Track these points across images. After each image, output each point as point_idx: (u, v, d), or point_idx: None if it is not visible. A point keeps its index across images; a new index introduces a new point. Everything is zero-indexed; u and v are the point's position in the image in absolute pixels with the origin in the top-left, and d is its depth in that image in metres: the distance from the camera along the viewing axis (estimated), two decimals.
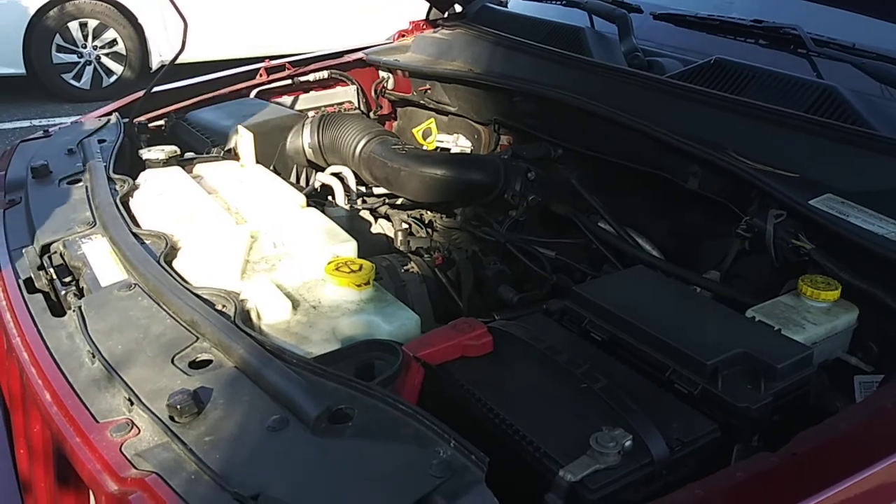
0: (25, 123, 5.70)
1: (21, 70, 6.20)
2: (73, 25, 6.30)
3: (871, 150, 1.48)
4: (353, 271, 1.26)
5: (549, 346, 1.13)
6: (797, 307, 1.27)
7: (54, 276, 1.34)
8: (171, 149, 1.78)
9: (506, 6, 2.64)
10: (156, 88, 2.17)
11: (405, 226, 1.88)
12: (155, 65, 6.54)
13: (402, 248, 1.79)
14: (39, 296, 1.31)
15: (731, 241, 1.59)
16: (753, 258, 1.56)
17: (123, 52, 6.50)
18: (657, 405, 1.04)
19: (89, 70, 6.45)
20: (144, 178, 1.66)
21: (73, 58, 6.38)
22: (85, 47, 6.40)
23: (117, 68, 6.52)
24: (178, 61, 2.04)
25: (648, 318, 1.18)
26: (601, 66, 1.98)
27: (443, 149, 2.31)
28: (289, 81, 2.44)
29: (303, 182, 2.10)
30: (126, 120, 1.98)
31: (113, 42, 6.46)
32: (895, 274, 1.23)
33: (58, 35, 6.26)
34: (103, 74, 6.50)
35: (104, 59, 6.48)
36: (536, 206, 1.86)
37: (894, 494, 0.95)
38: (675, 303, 1.26)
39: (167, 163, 1.74)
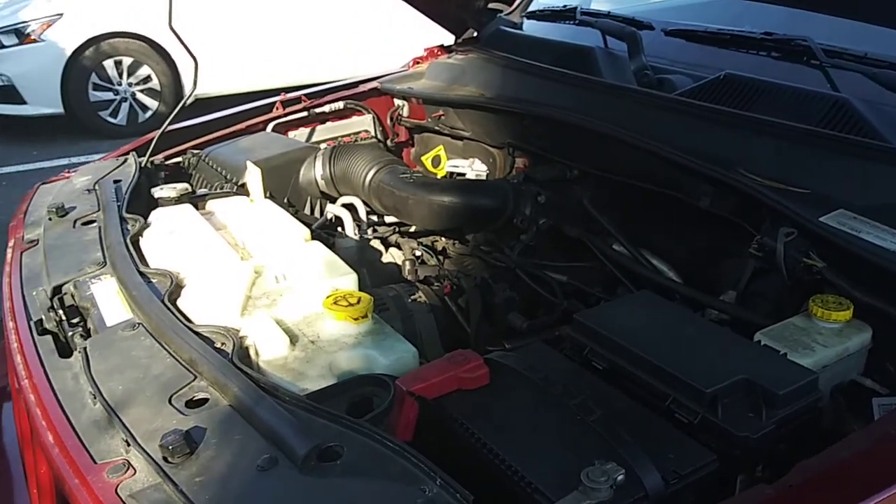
0: (64, 161, 5.85)
1: (59, 109, 6.39)
2: (109, 63, 6.47)
3: (884, 163, 1.44)
4: (350, 304, 1.25)
5: (545, 377, 1.11)
6: (808, 329, 1.24)
7: (63, 318, 1.36)
8: (182, 186, 1.80)
9: (521, 28, 2.65)
10: (174, 126, 2.21)
11: (415, 254, 1.88)
12: (190, 99, 6.68)
13: (410, 278, 1.79)
14: (49, 337, 1.33)
15: (746, 261, 1.55)
16: (770, 277, 1.52)
17: (158, 88, 6.65)
18: (654, 436, 1.01)
19: (125, 106, 6.62)
20: (155, 216, 1.69)
21: (110, 95, 6.55)
22: (120, 84, 6.56)
23: (152, 104, 6.68)
24: (200, 96, 2.08)
25: (650, 345, 1.16)
26: (610, 85, 1.97)
27: (458, 174, 2.31)
28: (305, 113, 2.46)
29: (316, 213, 2.11)
30: (142, 159, 2.02)
31: (147, 78, 6.62)
32: None
33: (94, 73, 6.43)
34: (139, 110, 6.66)
35: (139, 96, 6.64)
36: (548, 229, 1.85)
37: None
38: (678, 329, 1.24)
39: (179, 200, 1.77)
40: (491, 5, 2.62)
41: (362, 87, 2.60)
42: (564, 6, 2.48)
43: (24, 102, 6.34)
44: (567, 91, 2.00)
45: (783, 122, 1.58)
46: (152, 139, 2.11)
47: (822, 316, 1.23)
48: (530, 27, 2.63)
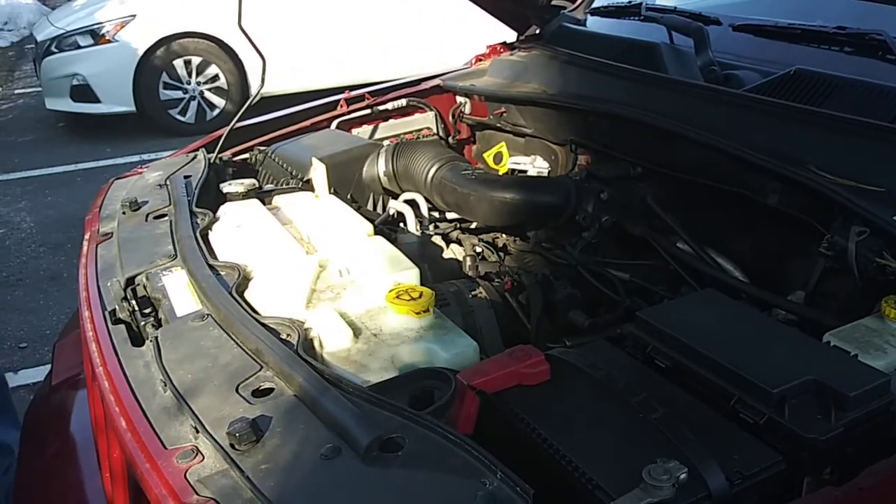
0: (135, 158, 6.04)
1: (131, 108, 6.61)
2: (178, 63, 6.67)
3: None
4: (412, 299, 1.27)
5: (607, 374, 1.11)
6: (879, 330, 1.20)
7: (136, 308, 1.41)
8: (249, 182, 1.85)
9: (584, 25, 2.63)
10: (242, 123, 2.27)
11: (476, 250, 1.88)
12: (256, 97, 6.81)
13: (471, 273, 1.79)
14: (122, 327, 1.38)
15: (815, 260, 1.52)
16: (841, 278, 1.48)
17: (225, 87, 6.82)
18: (718, 435, 1.00)
19: (193, 105, 6.80)
20: (224, 211, 1.74)
21: (179, 94, 6.74)
22: (189, 83, 6.74)
23: (219, 102, 6.84)
24: (265, 94, 2.12)
25: (714, 343, 1.14)
26: (676, 81, 1.94)
27: (520, 171, 2.31)
28: (368, 111, 2.49)
29: (379, 209, 2.14)
30: (211, 155, 2.08)
31: (215, 77, 6.79)
32: None
33: (164, 73, 6.63)
34: (206, 108, 6.84)
35: (207, 94, 6.82)
36: (610, 227, 1.83)
37: None
38: (743, 327, 1.22)
39: (246, 196, 1.81)
40: (554, 2, 2.61)
41: (425, 85, 2.62)
42: (629, 2, 2.46)
43: (98, 101, 6.57)
44: (632, 87, 1.98)
45: (857, 118, 1.54)
46: (221, 136, 2.16)
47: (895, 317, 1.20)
48: (594, 23, 2.61)
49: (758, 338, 1.18)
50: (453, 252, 1.90)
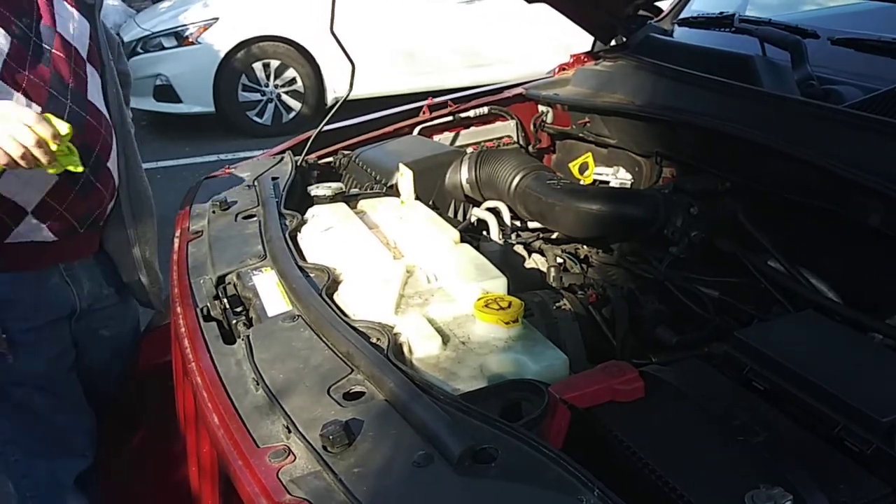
0: (213, 158, 6.19)
1: (211, 109, 6.77)
2: (257, 66, 6.80)
3: None
4: (501, 308, 1.26)
5: (705, 395, 1.08)
6: None
7: (227, 306, 1.44)
8: (337, 186, 1.87)
9: (671, 35, 2.58)
10: (327, 127, 2.30)
11: (558, 261, 1.86)
12: (330, 101, 6.91)
13: (554, 284, 1.77)
14: (214, 324, 1.41)
15: None
16: None
17: (302, 90, 6.92)
18: (823, 464, 0.96)
19: (271, 107, 6.93)
20: (312, 213, 1.76)
21: (257, 96, 6.87)
22: (267, 86, 6.88)
23: (296, 105, 6.96)
24: (350, 98, 2.15)
25: (817, 367, 1.10)
26: (771, 95, 1.88)
27: (602, 182, 2.28)
28: (450, 118, 2.50)
29: (460, 216, 2.13)
30: (297, 158, 2.11)
31: (292, 81, 6.90)
32: None
33: (244, 75, 6.77)
34: (283, 111, 6.96)
35: (284, 97, 6.94)
36: (699, 242, 1.79)
37: None
38: (847, 352, 1.17)
39: (333, 199, 1.83)
40: (640, 12, 2.57)
41: (507, 93, 2.61)
42: (721, 13, 2.40)
43: (179, 101, 6.75)
44: (724, 100, 1.93)
45: None
46: (308, 139, 2.20)
47: None
48: (681, 34, 2.56)
49: (862, 363, 1.14)
50: (535, 262, 1.89)
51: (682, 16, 2.59)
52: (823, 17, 2.57)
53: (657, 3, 2.65)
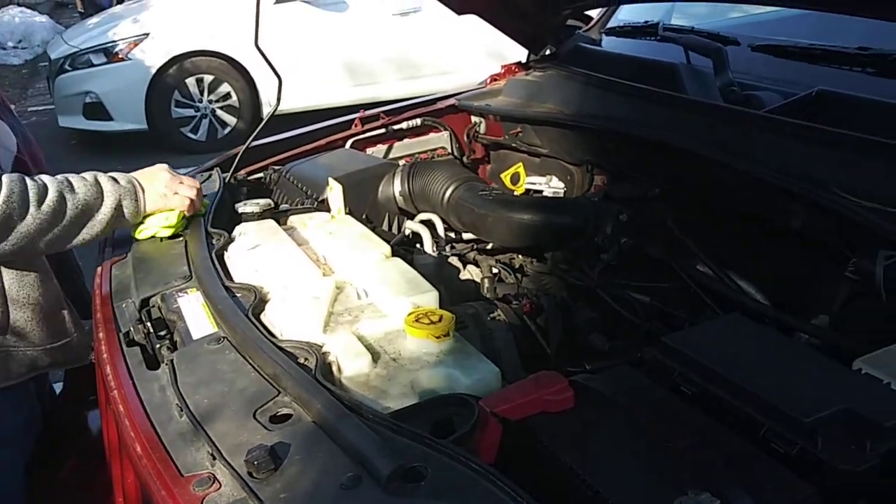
0: None
1: (143, 126, 6.63)
2: (191, 81, 6.69)
3: None
4: (432, 322, 1.25)
5: (634, 401, 1.08)
6: None
7: (151, 330, 1.39)
8: (265, 202, 1.83)
9: (599, 45, 2.62)
10: (256, 142, 2.26)
11: (493, 272, 1.86)
12: (266, 115, 6.83)
13: (489, 295, 1.77)
14: (137, 349, 1.36)
15: (841, 284, 1.49)
16: (868, 302, 1.45)
17: (237, 105, 6.83)
18: (749, 466, 0.97)
19: (205, 123, 6.82)
20: (239, 231, 1.72)
21: (191, 112, 6.76)
22: (201, 101, 6.77)
23: (231, 120, 6.86)
24: (279, 112, 2.12)
25: (742, 370, 1.11)
26: (695, 102, 1.92)
27: (535, 191, 2.29)
28: (383, 130, 2.48)
29: (395, 230, 2.12)
30: (226, 175, 2.07)
31: (227, 95, 6.81)
32: None
33: (176, 91, 6.66)
34: (218, 126, 6.85)
35: (219, 112, 6.84)
36: (629, 249, 1.81)
37: None
38: (772, 354, 1.19)
39: (262, 216, 1.80)
40: (569, 22, 2.60)
41: (440, 104, 2.61)
42: (645, 22, 2.45)
43: (110, 119, 6.60)
44: (649, 108, 1.96)
45: (882, 140, 1.51)
46: (236, 155, 2.15)
47: None
48: (609, 43, 2.60)
49: (787, 364, 1.15)
50: (470, 273, 1.88)
51: (609, 25, 2.63)
52: (745, 25, 2.63)
53: (586, 13, 2.69)
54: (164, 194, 1.70)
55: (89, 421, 1.86)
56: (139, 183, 1.68)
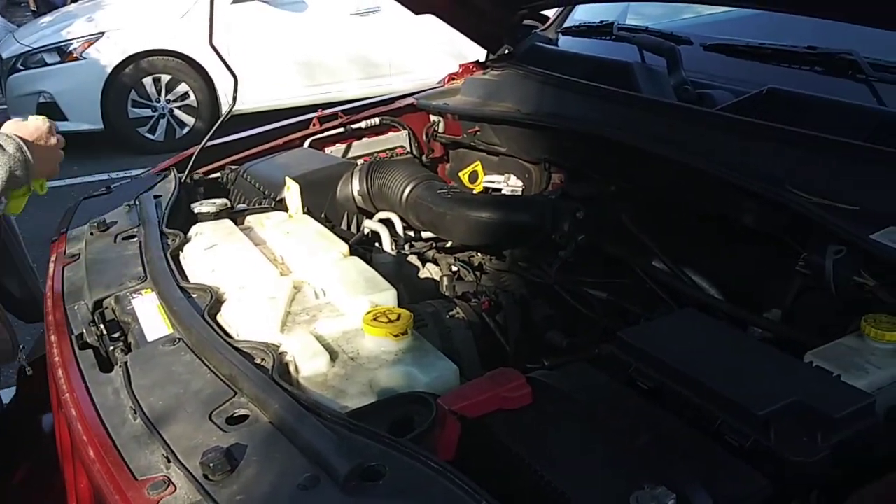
0: (104, 176, 5.95)
1: (99, 126, 6.51)
2: (148, 81, 6.59)
3: None
4: (390, 321, 1.24)
5: (591, 397, 1.09)
6: (860, 349, 1.20)
7: (104, 332, 1.37)
8: (221, 202, 1.81)
9: (556, 44, 2.64)
10: (213, 142, 2.23)
11: (452, 270, 1.86)
12: (223, 115, 6.75)
13: (448, 293, 1.77)
14: (90, 351, 1.34)
15: (792, 279, 1.52)
16: (818, 296, 1.48)
17: (195, 105, 6.75)
18: (704, 459, 0.98)
19: (163, 123, 6.72)
20: (195, 231, 1.70)
21: (148, 112, 6.66)
22: (159, 101, 6.67)
23: (189, 120, 6.77)
24: (237, 112, 2.10)
25: (697, 364, 1.13)
26: (649, 100, 1.94)
27: (494, 189, 2.30)
28: (341, 129, 2.47)
29: (353, 229, 2.11)
30: (182, 175, 2.04)
31: (185, 95, 6.72)
32: None
33: (133, 91, 6.55)
34: (176, 126, 6.76)
35: (177, 112, 6.74)
36: (587, 246, 1.82)
37: None
38: (726, 348, 1.21)
39: (218, 216, 1.78)
40: (525, 21, 2.62)
41: (398, 104, 2.61)
42: (601, 22, 2.47)
43: (65, 119, 6.45)
44: (604, 106, 1.98)
45: (830, 137, 1.55)
46: (192, 155, 2.13)
47: (876, 336, 1.19)
48: (565, 43, 2.62)
49: (740, 358, 1.17)
50: (429, 272, 1.88)
51: (565, 25, 2.65)
52: (697, 25, 2.67)
53: (543, 13, 2.70)
54: (49, 159, 1.63)
55: (43, 424, 1.82)
56: (28, 152, 1.57)
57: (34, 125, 1.61)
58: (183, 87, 6.70)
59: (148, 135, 6.69)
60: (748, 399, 1.04)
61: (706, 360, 1.15)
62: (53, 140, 1.65)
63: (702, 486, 0.92)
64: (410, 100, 2.59)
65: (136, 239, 1.69)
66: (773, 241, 1.57)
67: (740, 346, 1.24)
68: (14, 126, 1.59)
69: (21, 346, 1.77)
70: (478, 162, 2.37)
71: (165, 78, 6.64)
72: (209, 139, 2.15)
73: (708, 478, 0.94)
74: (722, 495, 0.93)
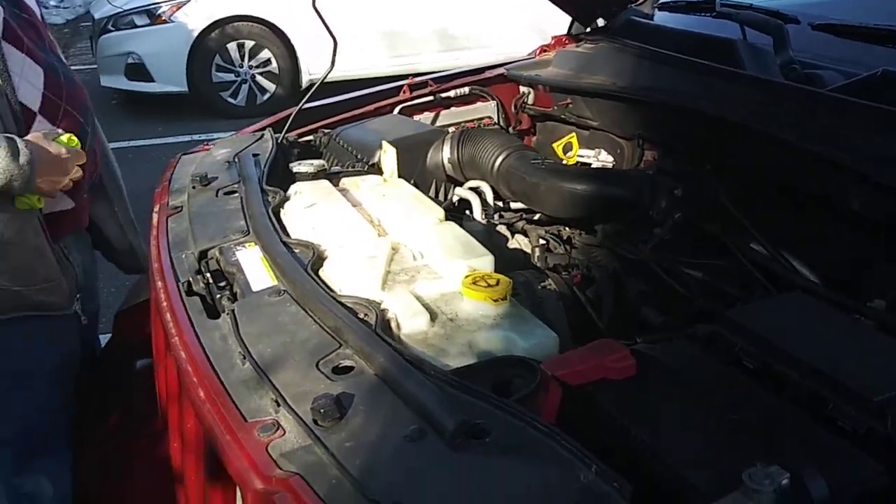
0: (186, 138, 6.11)
1: (184, 88, 6.68)
2: (232, 46, 6.72)
3: None
4: (489, 286, 1.25)
5: (695, 374, 1.08)
6: None
7: (210, 281, 1.41)
8: (319, 163, 1.84)
9: (652, 19, 2.58)
10: (306, 105, 2.26)
11: (542, 241, 1.85)
12: (305, 83, 6.84)
13: (539, 265, 1.77)
14: (197, 298, 1.38)
15: None
16: None
17: (276, 71, 6.85)
18: (816, 442, 0.96)
19: (245, 88, 6.85)
20: (294, 190, 1.73)
21: (231, 77, 6.79)
22: (242, 67, 6.79)
23: (270, 86, 6.88)
24: (328, 79, 2.12)
25: (807, 347, 1.10)
26: (755, 78, 1.88)
27: (583, 164, 2.27)
28: (431, 98, 2.48)
29: (441, 196, 2.12)
30: (278, 135, 2.07)
31: (267, 62, 6.83)
32: None
33: (218, 55, 6.68)
34: (257, 92, 6.88)
35: (259, 78, 6.86)
36: (683, 224, 1.79)
37: None
38: (836, 332, 1.17)
39: (315, 176, 1.80)
40: None
41: (488, 74, 2.60)
42: None
43: (152, 80, 6.66)
44: (707, 82, 1.92)
45: None
46: (289, 116, 2.16)
47: None
48: (662, 18, 2.56)
49: (852, 343, 1.14)
50: (518, 242, 1.88)
51: (662, 0, 2.59)
52: (804, 4, 2.58)
53: None
54: (51, 182, 1.61)
55: (137, 370, 1.89)
56: (35, 170, 1.54)
57: (56, 150, 1.59)
58: (266, 54, 6.80)
59: (230, 99, 6.83)
60: (863, 384, 1.01)
61: (816, 343, 1.12)
62: (65, 176, 1.63)
63: (815, 468, 0.90)
64: (500, 70, 2.58)
65: (237, 194, 1.73)
66: (880, 228, 1.52)
67: (851, 331, 1.20)
68: (40, 139, 1.58)
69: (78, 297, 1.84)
70: (573, 133, 2.34)
71: (249, 44, 6.75)
72: (306, 101, 2.17)
73: (820, 461, 0.92)
74: (835, 479, 0.91)
